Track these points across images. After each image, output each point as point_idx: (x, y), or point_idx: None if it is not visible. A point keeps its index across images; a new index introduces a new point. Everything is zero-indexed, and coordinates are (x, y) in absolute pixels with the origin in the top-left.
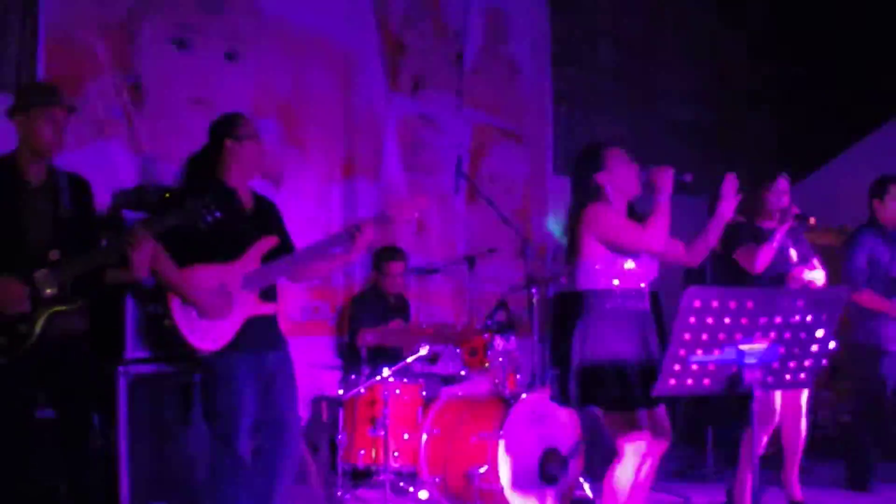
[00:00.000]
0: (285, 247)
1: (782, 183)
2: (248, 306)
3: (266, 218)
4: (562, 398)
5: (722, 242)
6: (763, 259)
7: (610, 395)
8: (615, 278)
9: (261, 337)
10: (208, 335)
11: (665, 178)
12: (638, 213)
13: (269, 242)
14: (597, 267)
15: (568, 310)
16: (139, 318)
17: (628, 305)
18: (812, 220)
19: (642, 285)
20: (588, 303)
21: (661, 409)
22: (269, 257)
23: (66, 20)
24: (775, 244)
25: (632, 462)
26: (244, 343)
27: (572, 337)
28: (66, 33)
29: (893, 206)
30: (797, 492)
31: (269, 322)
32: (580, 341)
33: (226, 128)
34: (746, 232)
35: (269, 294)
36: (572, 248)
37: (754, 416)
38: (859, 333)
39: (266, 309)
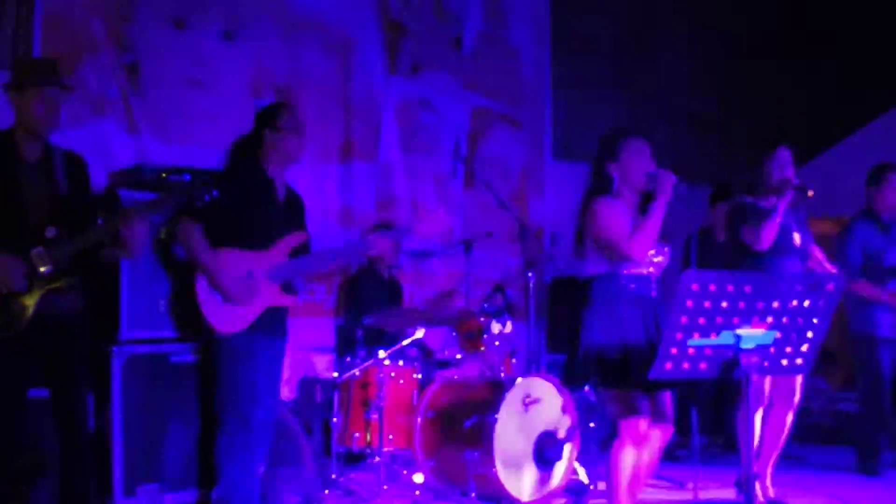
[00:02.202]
0: (306, 243)
1: (783, 153)
2: (271, 296)
3: (294, 212)
4: (568, 380)
5: (727, 223)
6: (768, 234)
7: (613, 377)
8: (619, 265)
9: (274, 323)
10: (228, 319)
11: (666, 183)
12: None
13: (298, 238)
14: (600, 254)
15: (575, 294)
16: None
17: (632, 289)
18: (810, 192)
19: (648, 271)
20: (593, 287)
21: (665, 395)
22: (294, 253)
23: None
24: (779, 217)
25: (632, 444)
26: (261, 326)
27: (580, 321)
28: (62, 11)
29: (889, 194)
30: (768, 489)
31: (283, 312)
32: (586, 325)
33: (267, 118)
34: (751, 211)
35: (289, 287)
36: (579, 235)
37: (748, 398)
38: (854, 322)
39: (286, 301)
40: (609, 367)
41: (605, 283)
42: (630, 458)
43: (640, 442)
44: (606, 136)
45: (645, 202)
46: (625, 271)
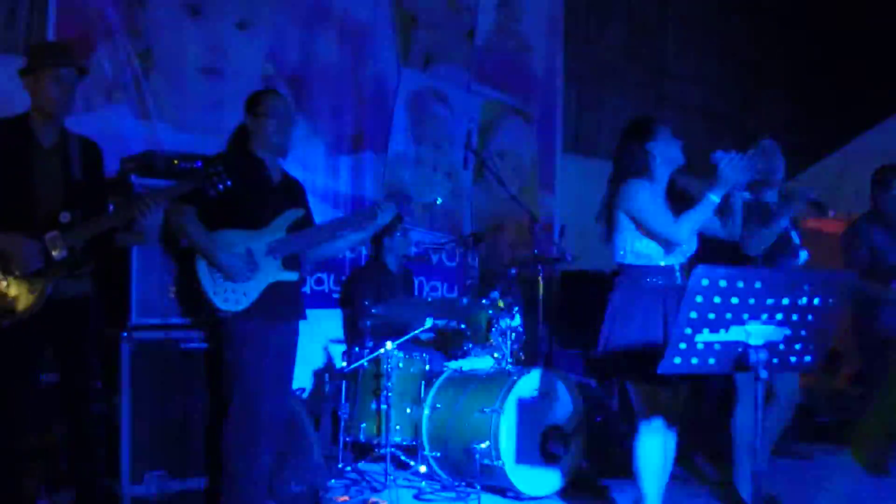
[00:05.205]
0: (308, 222)
1: (768, 143)
2: (271, 272)
3: (292, 193)
4: (586, 373)
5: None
6: (762, 243)
7: (637, 371)
8: (648, 255)
9: (282, 305)
10: (231, 297)
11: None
12: (678, 189)
13: (294, 214)
14: (629, 243)
15: (592, 287)
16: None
17: (659, 283)
18: (831, 213)
19: (677, 262)
20: (620, 280)
21: (685, 389)
22: (293, 229)
23: None
24: (778, 228)
25: (654, 438)
26: (266, 309)
27: (604, 313)
28: None
29: None
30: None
31: (292, 290)
32: (611, 318)
33: (248, 104)
34: (749, 212)
35: (292, 263)
36: (608, 223)
37: (757, 394)
38: (863, 323)
39: (287, 276)
40: (633, 361)
41: (632, 275)
42: (654, 451)
43: (663, 434)
44: (638, 120)
45: (671, 189)
46: (652, 264)
